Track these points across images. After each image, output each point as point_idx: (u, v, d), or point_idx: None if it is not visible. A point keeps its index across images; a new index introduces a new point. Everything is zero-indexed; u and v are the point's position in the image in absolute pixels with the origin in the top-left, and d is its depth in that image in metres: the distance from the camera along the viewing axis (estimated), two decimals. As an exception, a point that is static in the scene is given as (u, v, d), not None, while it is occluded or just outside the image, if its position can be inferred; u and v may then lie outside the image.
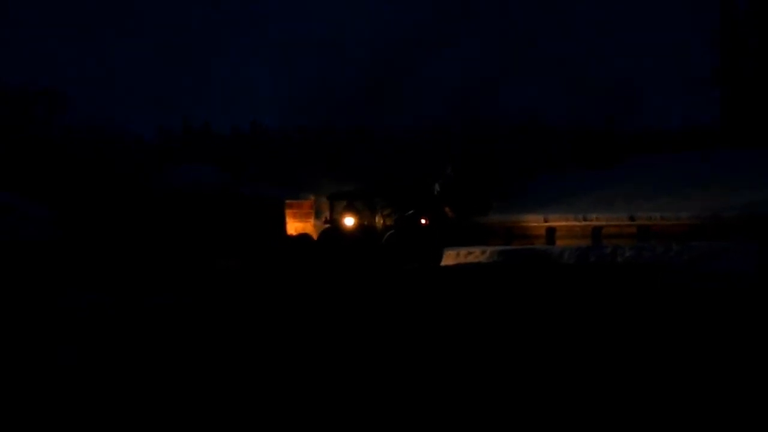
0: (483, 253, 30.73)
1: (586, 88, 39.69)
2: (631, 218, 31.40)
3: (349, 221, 25.89)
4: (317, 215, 28.18)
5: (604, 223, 31.83)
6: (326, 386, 10.04)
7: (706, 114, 38.29)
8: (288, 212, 28.17)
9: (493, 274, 25.07)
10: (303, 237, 26.87)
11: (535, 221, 32.92)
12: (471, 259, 30.72)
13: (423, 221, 26.29)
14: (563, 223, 32.48)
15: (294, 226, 28.09)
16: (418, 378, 10.20)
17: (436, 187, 26.74)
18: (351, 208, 26.12)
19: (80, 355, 12.69)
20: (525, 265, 27.57)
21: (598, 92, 39.60)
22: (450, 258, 28.83)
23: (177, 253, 25.21)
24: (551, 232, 32.62)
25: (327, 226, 26.54)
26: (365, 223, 26.02)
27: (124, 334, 14.54)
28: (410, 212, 26.20)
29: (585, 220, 32.13)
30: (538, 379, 10.05)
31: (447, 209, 26.67)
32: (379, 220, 26.10)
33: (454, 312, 16.19)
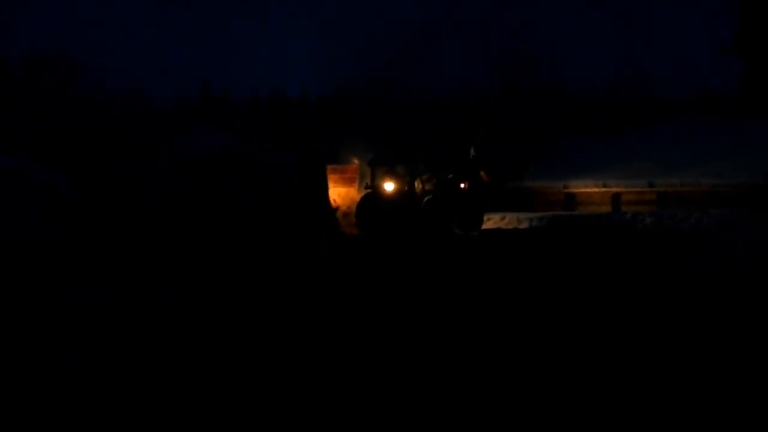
0: (502, 219, 31.00)
1: (605, 54, 39.71)
2: (651, 185, 31.79)
3: (389, 186, 26.13)
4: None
5: (623, 189, 32.20)
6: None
7: (726, 81, 38.52)
8: (331, 177, 28.23)
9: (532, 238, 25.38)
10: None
11: (555, 187, 33.17)
12: (490, 225, 31.01)
13: (462, 185, 26.52)
14: (582, 190, 32.79)
15: (337, 192, 28.19)
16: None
17: (472, 150, 26.89)
18: (391, 173, 26.35)
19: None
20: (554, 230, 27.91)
21: (617, 58, 39.67)
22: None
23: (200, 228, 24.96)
24: (570, 198, 32.91)
25: (367, 191, 26.75)
26: (405, 188, 26.23)
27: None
28: (450, 176, 26.41)
29: (604, 186, 32.46)
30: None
31: (482, 173, 26.82)
32: (418, 185, 26.31)
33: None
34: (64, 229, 25.42)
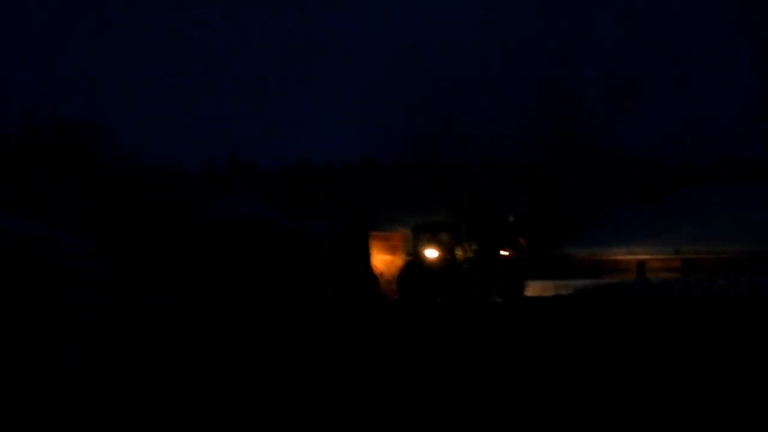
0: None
1: (634, 121, 40.18)
2: (677, 252, 32.02)
3: (431, 253, 26.08)
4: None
5: (649, 256, 32.42)
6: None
7: (752, 148, 39.08)
8: (375, 244, 28.47)
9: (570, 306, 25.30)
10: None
11: (581, 255, 33.34)
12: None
13: (504, 252, 26.59)
14: (609, 257, 32.98)
15: (381, 259, 28.40)
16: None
17: (511, 217, 27.12)
18: (434, 240, 26.33)
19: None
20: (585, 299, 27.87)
21: (646, 124, 40.17)
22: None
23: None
24: (597, 265, 33.04)
25: (409, 258, 26.75)
26: (447, 255, 26.19)
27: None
28: (490, 243, 26.50)
29: (630, 253, 32.67)
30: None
31: (522, 240, 26.98)
32: (459, 252, 26.32)
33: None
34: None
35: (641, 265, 32.41)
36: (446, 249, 26.27)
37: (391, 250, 28.65)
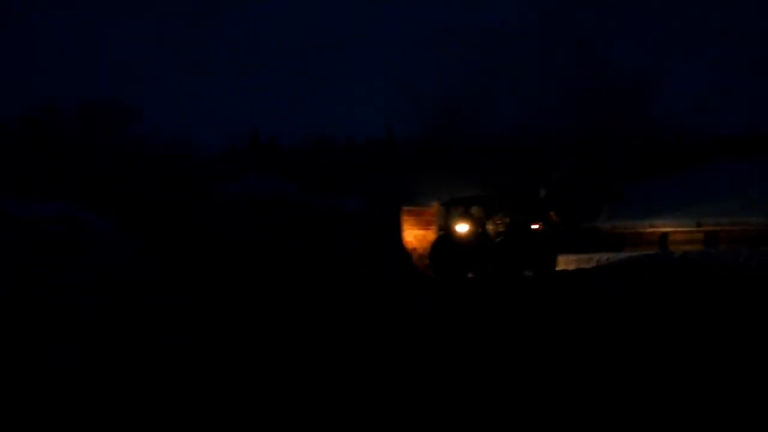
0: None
1: (653, 94, 40.04)
2: (698, 224, 31.99)
3: (462, 228, 26.02)
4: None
5: (671, 229, 32.40)
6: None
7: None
8: (407, 219, 28.42)
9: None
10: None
11: (606, 228, 33.32)
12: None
13: (536, 227, 26.50)
14: (631, 230, 32.96)
15: (413, 234, 28.35)
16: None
17: (542, 191, 27.01)
18: (465, 215, 26.28)
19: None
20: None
21: (665, 97, 40.11)
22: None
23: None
24: (619, 238, 33.00)
25: (441, 233, 26.73)
26: (479, 230, 26.13)
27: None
28: (522, 218, 26.40)
29: (652, 227, 32.65)
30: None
31: (552, 214, 26.88)
32: (491, 227, 26.26)
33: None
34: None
35: (663, 237, 32.42)
36: (478, 223, 26.25)
37: (424, 225, 28.55)
